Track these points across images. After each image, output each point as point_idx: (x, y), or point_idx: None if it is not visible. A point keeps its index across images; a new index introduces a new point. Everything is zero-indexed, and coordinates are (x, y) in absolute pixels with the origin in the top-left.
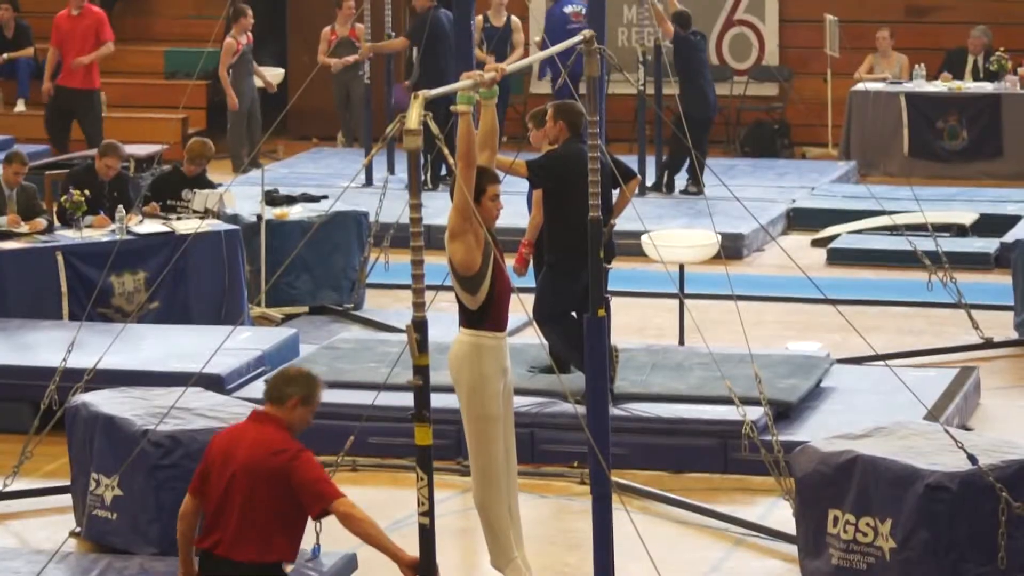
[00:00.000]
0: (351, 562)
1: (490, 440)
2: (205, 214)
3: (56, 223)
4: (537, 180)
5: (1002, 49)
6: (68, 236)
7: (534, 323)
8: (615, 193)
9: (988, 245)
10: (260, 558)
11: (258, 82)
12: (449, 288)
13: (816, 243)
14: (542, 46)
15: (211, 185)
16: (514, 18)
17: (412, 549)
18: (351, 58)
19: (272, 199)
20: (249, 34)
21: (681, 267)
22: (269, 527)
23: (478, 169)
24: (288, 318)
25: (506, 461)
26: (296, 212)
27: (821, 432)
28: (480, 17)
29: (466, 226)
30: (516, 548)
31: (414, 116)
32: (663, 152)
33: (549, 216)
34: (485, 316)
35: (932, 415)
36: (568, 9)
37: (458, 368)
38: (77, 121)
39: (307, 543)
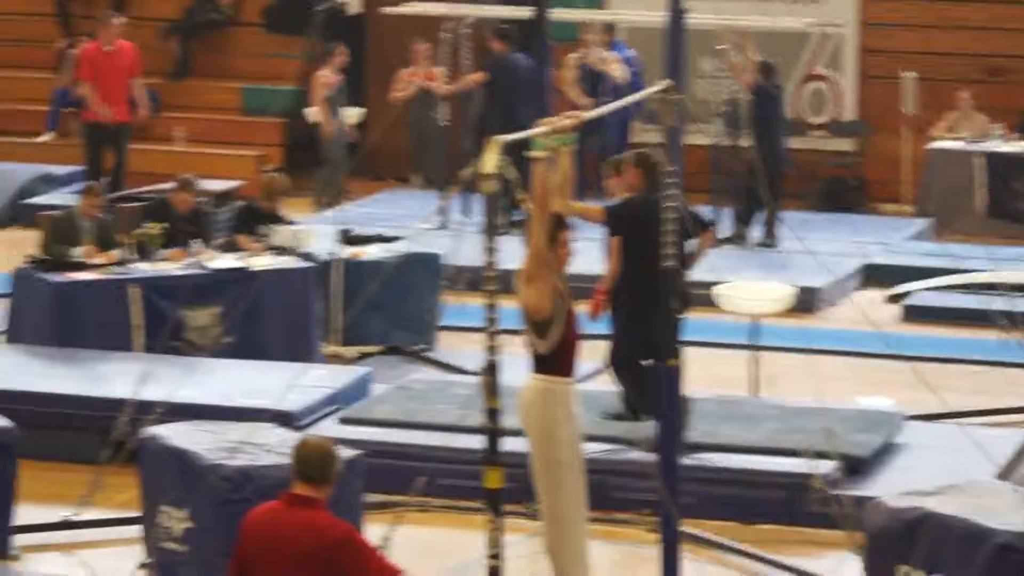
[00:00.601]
0: None
1: (560, 485)
2: (285, 251)
3: (132, 256)
4: (614, 227)
5: None
6: (143, 268)
7: (609, 369)
8: (690, 245)
9: None
10: None
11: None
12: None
13: (890, 299)
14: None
15: (287, 222)
16: (613, 63)
17: None
18: (411, 90)
19: (348, 238)
20: (341, 73)
21: (755, 319)
22: None
23: (551, 215)
24: (362, 357)
25: (576, 506)
26: (372, 251)
27: (891, 488)
28: (575, 55)
29: (539, 272)
30: None
31: (490, 160)
32: (739, 205)
33: (626, 263)
34: (555, 361)
35: (1004, 474)
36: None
37: (527, 412)
38: (112, 152)
39: None
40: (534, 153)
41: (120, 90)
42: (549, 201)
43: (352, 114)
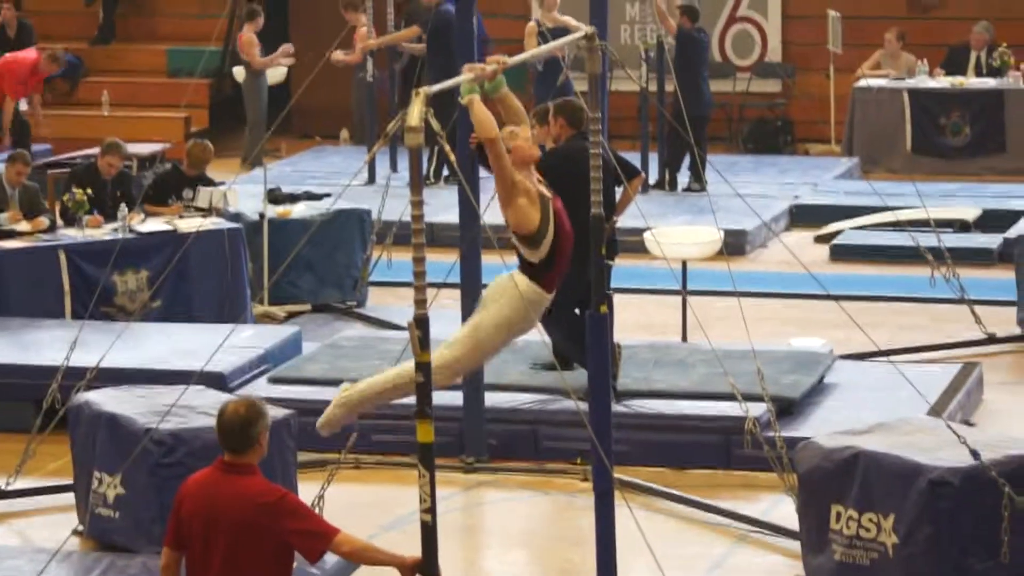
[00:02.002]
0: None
1: (478, 357)
2: (208, 211)
3: (59, 222)
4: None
5: (1005, 45)
6: (70, 235)
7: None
8: (618, 190)
9: (991, 241)
10: None
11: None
12: (450, 285)
13: (819, 239)
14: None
15: (212, 184)
16: (568, 19)
17: (414, 546)
18: (354, 56)
19: (275, 197)
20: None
21: (684, 264)
22: None
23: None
24: (291, 316)
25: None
26: (299, 210)
27: (824, 428)
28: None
29: (513, 191)
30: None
31: (415, 113)
32: (665, 149)
33: None
34: (544, 270)
35: (935, 411)
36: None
37: (500, 295)
38: None
39: None
40: (463, 99)
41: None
42: (493, 127)
43: (277, 73)
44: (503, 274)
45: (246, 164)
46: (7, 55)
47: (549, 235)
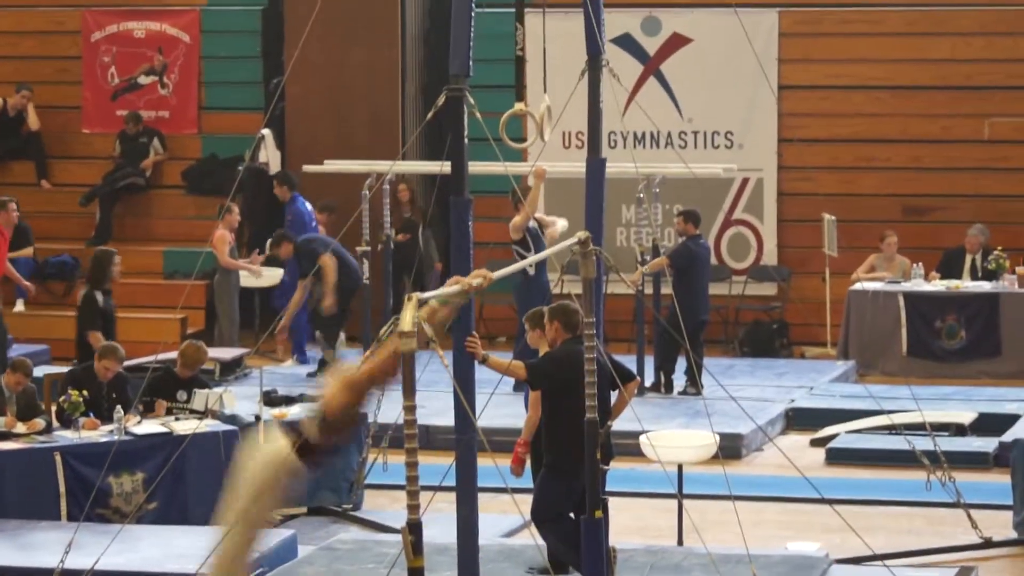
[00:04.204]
0: None
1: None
2: (204, 414)
3: (55, 423)
4: (536, 382)
5: (1000, 248)
6: (66, 437)
7: (533, 523)
8: (614, 394)
9: (987, 444)
10: None
11: (246, 277)
12: (446, 488)
13: (815, 443)
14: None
15: (206, 385)
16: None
17: None
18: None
19: (270, 400)
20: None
21: (680, 467)
22: None
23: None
24: (286, 519)
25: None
26: (295, 412)
27: None
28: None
29: (361, 388)
30: None
31: (408, 318)
32: (660, 353)
33: (547, 416)
34: (308, 453)
35: None
36: (311, 206)
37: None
38: None
39: None
40: (433, 303)
41: None
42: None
43: (273, 274)
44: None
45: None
46: None
47: (329, 439)
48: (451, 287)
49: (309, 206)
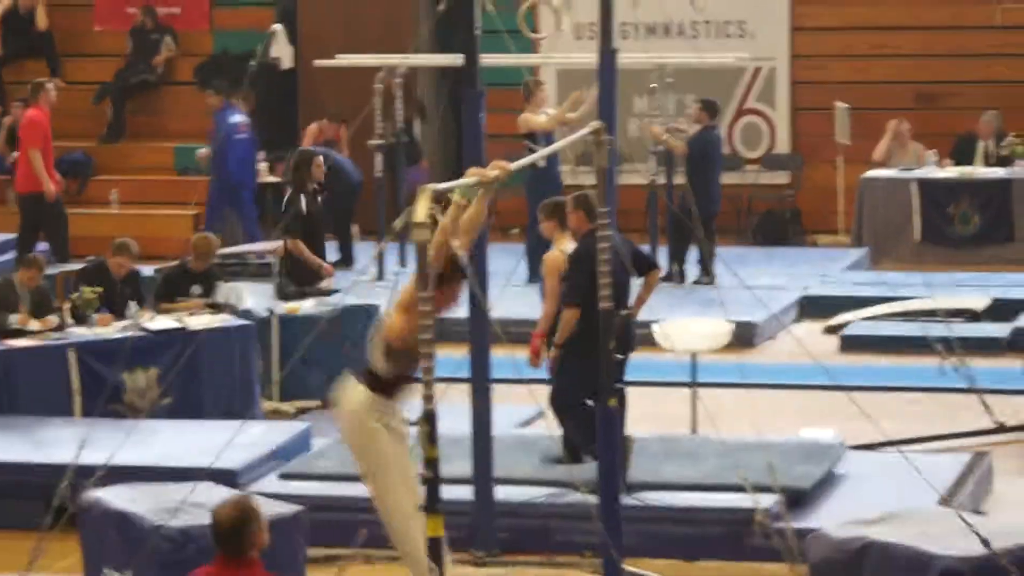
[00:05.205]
0: None
1: (379, 487)
2: (223, 308)
3: (68, 320)
4: (576, 300)
5: (1014, 134)
6: (80, 333)
7: (549, 411)
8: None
9: (1000, 330)
10: None
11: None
12: (460, 380)
13: (828, 331)
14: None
15: (219, 278)
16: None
17: None
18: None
19: (284, 294)
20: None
21: (694, 356)
22: None
23: (455, 262)
24: (301, 412)
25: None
26: (308, 306)
27: (834, 519)
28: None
29: (415, 307)
30: None
31: (421, 209)
32: (673, 242)
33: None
34: (385, 387)
35: (945, 500)
36: (237, 119)
37: (357, 446)
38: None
39: None
40: (456, 198)
41: (51, 159)
42: (449, 243)
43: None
44: (344, 410)
45: None
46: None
47: (403, 366)
48: (470, 177)
49: (238, 118)
